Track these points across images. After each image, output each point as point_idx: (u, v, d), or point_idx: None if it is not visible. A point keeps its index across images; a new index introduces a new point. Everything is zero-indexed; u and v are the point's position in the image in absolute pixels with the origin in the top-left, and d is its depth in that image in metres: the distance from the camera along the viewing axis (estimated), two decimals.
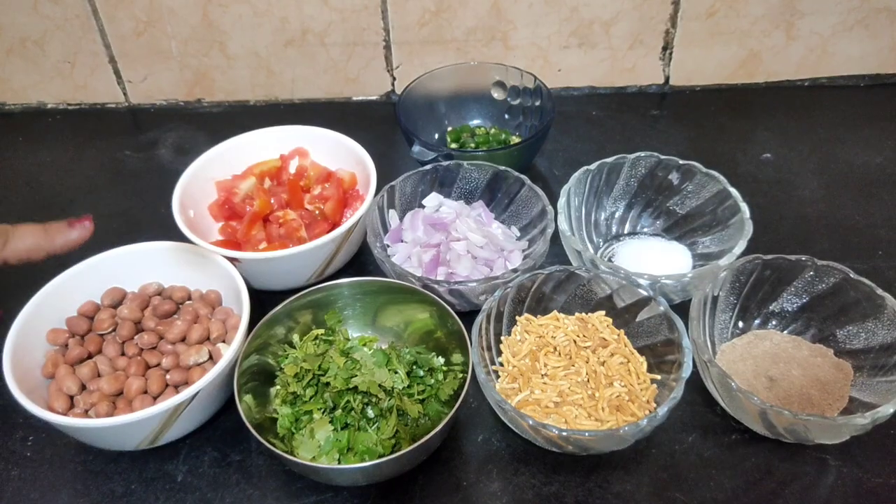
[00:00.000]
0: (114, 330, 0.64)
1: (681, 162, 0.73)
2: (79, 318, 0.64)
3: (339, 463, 0.56)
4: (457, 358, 0.61)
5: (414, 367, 0.61)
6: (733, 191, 0.70)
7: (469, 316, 0.62)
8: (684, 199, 0.75)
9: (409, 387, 0.60)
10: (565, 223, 0.69)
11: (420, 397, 0.59)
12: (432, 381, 0.61)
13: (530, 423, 0.53)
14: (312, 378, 0.60)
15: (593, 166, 0.74)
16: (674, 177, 0.74)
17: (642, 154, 0.74)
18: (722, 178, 0.71)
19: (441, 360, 0.62)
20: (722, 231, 0.71)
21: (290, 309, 0.63)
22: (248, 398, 0.57)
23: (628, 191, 0.77)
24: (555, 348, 0.63)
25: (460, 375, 0.60)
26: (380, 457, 0.55)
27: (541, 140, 0.82)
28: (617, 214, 0.77)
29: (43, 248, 0.57)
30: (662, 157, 0.74)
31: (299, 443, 0.57)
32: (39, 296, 0.63)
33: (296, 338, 0.64)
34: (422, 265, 0.70)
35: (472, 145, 0.87)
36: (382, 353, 0.61)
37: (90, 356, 0.62)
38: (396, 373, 0.60)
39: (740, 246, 0.65)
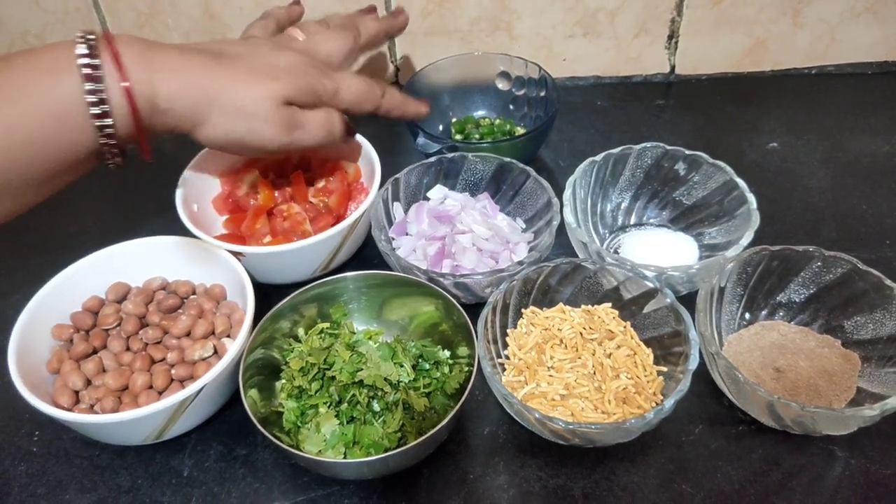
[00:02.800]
0: (118, 325, 0.64)
1: (687, 152, 0.73)
2: (83, 314, 0.64)
3: (345, 457, 0.56)
4: (462, 351, 0.61)
5: (420, 360, 0.61)
6: (740, 181, 0.70)
7: (475, 309, 0.62)
8: (691, 189, 0.74)
9: (414, 380, 0.59)
10: (571, 215, 0.69)
11: (426, 391, 0.59)
12: (438, 374, 0.60)
13: (536, 416, 0.53)
14: (318, 372, 0.60)
15: (599, 157, 0.73)
16: (680, 167, 0.74)
17: (648, 145, 0.74)
18: (728, 168, 0.71)
19: (447, 353, 0.62)
20: (728, 222, 0.70)
21: (295, 303, 0.63)
22: (253, 392, 0.57)
23: (634, 182, 0.76)
24: (561, 341, 0.63)
25: (466, 369, 0.60)
26: (385, 450, 0.55)
27: (546, 131, 0.81)
28: (623, 206, 0.77)
29: (370, 101, 0.66)
30: (669, 147, 0.73)
31: (305, 437, 0.57)
32: (44, 291, 0.63)
33: (301, 331, 0.64)
34: (427, 258, 0.70)
35: (477, 136, 0.87)
36: (388, 347, 0.61)
37: (95, 351, 0.62)
38: (402, 366, 0.59)
39: (747, 237, 0.65)
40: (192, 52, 0.55)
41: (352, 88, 0.63)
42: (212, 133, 0.56)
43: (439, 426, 0.52)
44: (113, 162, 0.53)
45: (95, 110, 0.49)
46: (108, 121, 0.50)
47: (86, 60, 0.48)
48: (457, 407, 0.54)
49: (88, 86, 0.48)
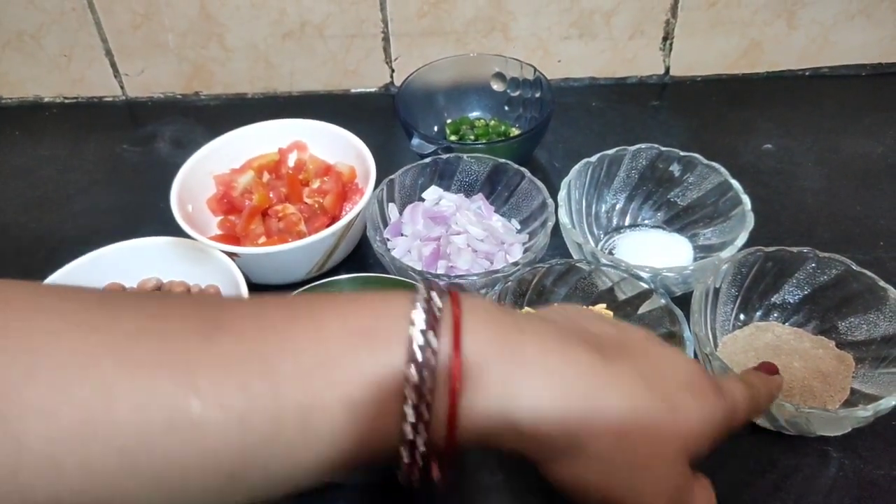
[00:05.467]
0: None
1: (682, 154, 0.73)
2: None
3: None
4: None
5: None
6: (735, 182, 0.70)
7: None
8: (685, 190, 0.74)
9: None
10: (566, 216, 0.69)
11: None
12: None
13: None
14: None
15: (594, 158, 0.73)
16: (675, 168, 0.74)
17: (643, 146, 0.74)
18: (723, 169, 0.71)
19: None
20: (723, 223, 0.70)
21: None
22: None
23: (629, 183, 0.76)
24: None
25: None
26: None
27: (541, 132, 0.81)
28: (618, 207, 0.77)
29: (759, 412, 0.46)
30: (663, 148, 0.74)
31: None
32: None
33: None
34: (422, 259, 0.70)
35: (472, 137, 0.87)
36: None
37: None
38: None
39: (742, 238, 0.65)
40: (570, 335, 0.35)
41: (748, 410, 0.42)
42: (578, 474, 0.35)
43: None
44: (409, 483, 0.33)
45: (412, 417, 0.31)
46: (424, 430, 0.31)
47: (420, 339, 0.31)
48: None
49: (413, 375, 0.30)
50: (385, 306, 0.33)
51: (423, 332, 0.31)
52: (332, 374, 0.30)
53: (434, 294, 0.33)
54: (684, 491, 0.37)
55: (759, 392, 0.44)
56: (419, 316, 0.32)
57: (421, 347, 0.31)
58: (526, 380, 0.33)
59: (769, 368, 0.48)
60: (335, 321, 0.32)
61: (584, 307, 0.41)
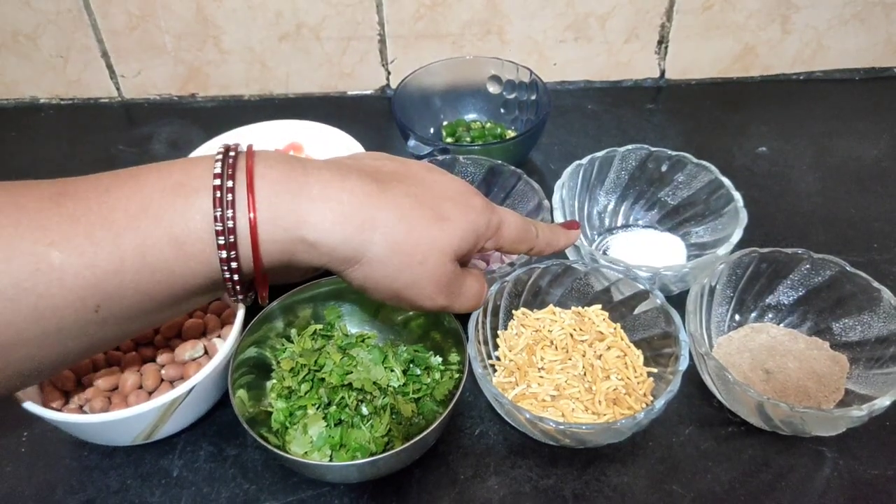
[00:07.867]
0: None
1: (671, 153, 0.74)
2: None
3: (331, 459, 0.56)
4: (453, 357, 0.61)
5: (411, 365, 0.61)
6: (725, 180, 0.70)
7: None
8: (675, 189, 0.75)
9: (404, 385, 0.59)
10: (561, 218, 0.69)
11: (415, 396, 0.59)
12: (429, 380, 0.60)
13: (527, 416, 0.53)
14: (308, 373, 0.60)
15: (584, 160, 0.74)
16: (665, 168, 0.74)
17: (632, 147, 0.74)
18: (713, 167, 0.71)
19: (438, 359, 0.62)
20: (715, 220, 0.71)
21: (289, 303, 0.62)
22: (241, 393, 0.57)
23: (619, 183, 0.77)
24: (551, 342, 0.63)
25: (456, 375, 0.60)
26: (371, 455, 0.55)
27: (537, 134, 0.81)
28: (610, 207, 0.77)
29: (526, 241, 0.53)
30: (653, 148, 0.74)
31: (292, 437, 0.57)
32: None
33: (294, 332, 0.63)
34: None
35: (468, 140, 0.87)
36: (379, 351, 0.61)
37: None
38: (392, 371, 0.59)
39: (737, 234, 0.65)
40: (349, 171, 0.45)
41: (512, 226, 0.51)
42: (367, 274, 0.46)
43: (426, 432, 0.52)
44: (237, 299, 0.45)
45: (221, 240, 0.41)
46: (234, 253, 0.42)
47: (218, 181, 0.41)
48: (445, 413, 0.53)
49: (217, 211, 0.41)
50: (193, 164, 0.42)
51: (223, 180, 0.41)
52: (156, 218, 0.40)
53: (231, 151, 0.43)
54: (454, 279, 0.49)
55: (539, 230, 0.54)
56: (219, 168, 0.41)
57: (222, 191, 0.41)
58: (311, 208, 0.42)
59: (569, 225, 0.59)
60: (154, 181, 0.41)
61: (380, 153, 0.52)
